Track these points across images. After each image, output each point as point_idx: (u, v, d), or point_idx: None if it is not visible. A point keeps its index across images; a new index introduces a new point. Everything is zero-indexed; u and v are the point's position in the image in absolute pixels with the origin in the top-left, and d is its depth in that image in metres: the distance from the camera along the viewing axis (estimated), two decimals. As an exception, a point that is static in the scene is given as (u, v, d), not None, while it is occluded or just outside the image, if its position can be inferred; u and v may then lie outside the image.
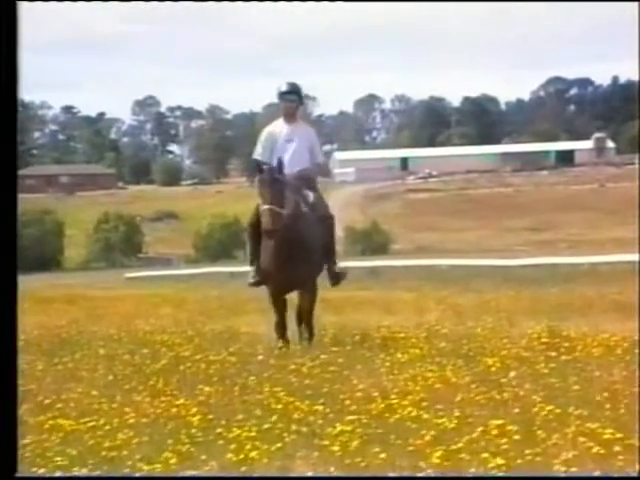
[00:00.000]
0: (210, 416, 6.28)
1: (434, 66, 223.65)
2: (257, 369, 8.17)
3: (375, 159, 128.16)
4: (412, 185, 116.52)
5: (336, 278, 10.14)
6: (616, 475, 4.60)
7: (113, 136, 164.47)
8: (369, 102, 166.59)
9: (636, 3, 9.85)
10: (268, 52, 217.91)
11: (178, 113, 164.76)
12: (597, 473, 4.65)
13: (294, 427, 5.96)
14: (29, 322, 14.88)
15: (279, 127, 10.21)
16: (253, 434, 5.69)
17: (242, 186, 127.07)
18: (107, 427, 6.09)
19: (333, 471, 5.00)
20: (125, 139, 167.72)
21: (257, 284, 9.95)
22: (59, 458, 5.39)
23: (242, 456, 5.27)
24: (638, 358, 7.29)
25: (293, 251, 9.48)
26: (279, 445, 5.55)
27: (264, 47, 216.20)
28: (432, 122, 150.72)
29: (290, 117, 10.17)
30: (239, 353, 9.24)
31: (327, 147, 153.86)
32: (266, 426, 5.94)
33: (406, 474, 4.63)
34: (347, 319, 13.63)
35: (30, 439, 5.84)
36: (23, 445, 5.72)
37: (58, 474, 4.85)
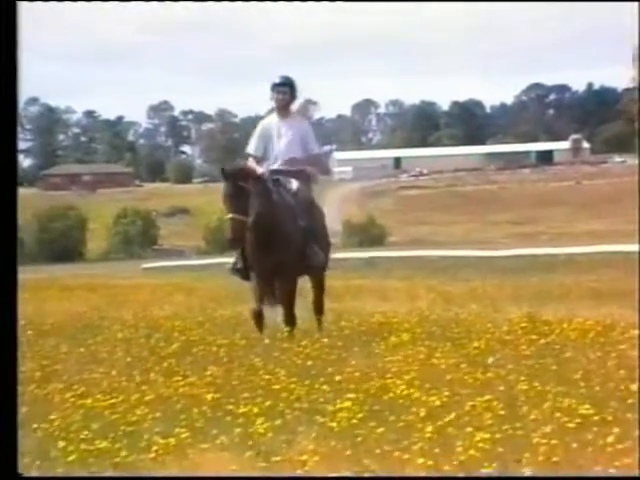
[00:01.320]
0: (219, 394, 6.28)
1: (425, 73, 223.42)
2: (263, 351, 8.17)
3: (371, 159, 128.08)
4: (405, 182, 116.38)
5: (312, 263, 9.27)
6: (616, 475, 4.58)
7: (131, 138, 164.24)
8: (365, 106, 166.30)
9: (636, 3, 9.77)
10: (272, 59, 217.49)
11: (190, 117, 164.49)
12: (599, 473, 4.62)
13: (296, 405, 5.97)
14: (54, 308, 14.90)
15: (272, 121, 9.65)
16: (258, 411, 5.69)
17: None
18: (125, 404, 6.10)
19: (334, 445, 5.01)
20: (142, 141, 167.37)
21: (238, 272, 9.39)
22: (84, 432, 5.40)
23: (250, 430, 5.27)
24: (638, 352, 7.21)
25: (270, 240, 8.92)
26: (282, 421, 5.56)
27: (268, 54, 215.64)
28: (423, 124, 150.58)
29: (283, 110, 9.57)
30: (246, 337, 9.24)
31: (326, 147, 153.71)
32: (270, 403, 5.94)
33: (407, 474, 4.58)
34: (346, 306, 13.63)
35: (56, 415, 5.86)
36: (50, 420, 5.73)
37: (60, 472, 4.74)
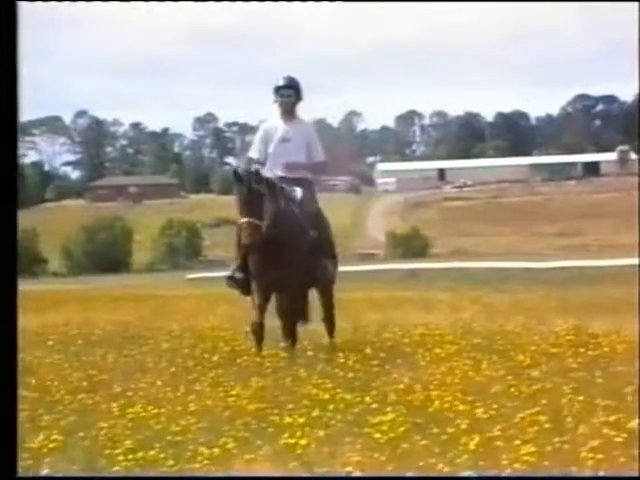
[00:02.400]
0: (263, 405, 6.29)
1: (470, 84, 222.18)
2: (306, 362, 8.17)
3: (414, 170, 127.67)
4: (448, 194, 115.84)
5: (321, 276, 8.84)
6: (616, 475, 4.53)
7: (176, 150, 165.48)
8: (409, 117, 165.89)
9: (636, 3, 9.67)
10: (315, 71, 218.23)
11: (234, 128, 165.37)
12: (601, 473, 4.57)
13: (339, 416, 5.96)
14: (102, 319, 15.04)
15: (275, 124, 9.08)
16: (302, 422, 5.69)
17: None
18: (170, 414, 6.13)
19: (377, 457, 4.99)
20: (187, 152, 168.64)
21: (237, 283, 8.77)
22: (128, 441, 5.44)
23: (293, 441, 5.27)
24: (638, 359, 7.13)
25: (278, 251, 8.38)
26: (326, 432, 5.55)
27: (312, 66, 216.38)
28: (467, 136, 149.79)
29: (287, 114, 9.01)
30: (289, 348, 9.23)
31: (370, 159, 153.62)
32: (314, 414, 5.94)
33: (410, 474, 4.53)
34: (389, 317, 13.60)
35: (102, 424, 5.90)
36: (98, 428, 5.78)
37: (60, 474, 4.77)
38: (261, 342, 8.64)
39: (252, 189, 8.23)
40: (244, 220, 8.14)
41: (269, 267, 8.43)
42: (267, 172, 8.73)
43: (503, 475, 4.53)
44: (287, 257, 8.43)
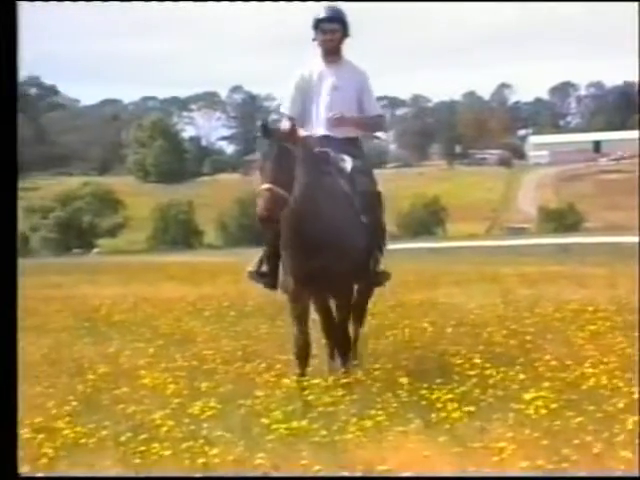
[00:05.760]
0: (413, 379, 6.29)
1: (628, 52, 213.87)
2: (453, 337, 8.11)
3: (568, 142, 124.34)
4: (604, 166, 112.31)
5: (375, 278, 6.75)
6: (616, 475, 4.31)
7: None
8: (564, 89, 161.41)
9: (636, 3, 9.02)
10: (466, 43, 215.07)
11: (384, 102, 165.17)
12: (602, 473, 4.36)
13: (490, 391, 5.89)
14: (255, 291, 15.34)
15: (316, 70, 6.86)
16: (452, 396, 5.65)
17: (442, 169, 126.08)
18: (324, 385, 6.21)
19: (529, 433, 4.91)
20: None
21: (263, 278, 6.78)
22: (283, 411, 5.55)
23: (444, 415, 5.25)
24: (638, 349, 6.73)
25: (315, 240, 6.25)
26: (477, 407, 5.50)
27: (462, 38, 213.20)
28: (625, 107, 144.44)
29: (332, 55, 6.84)
30: (434, 322, 9.18)
31: (522, 132, 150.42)
32: (464, 389, 5.89)
33: (408, 474, 4.38)
34: (541, 292, 13.34)
35: (257, 394, 6.04)
36: (253, 397, 5.91)
37: (60, 474, 4.73)
38: (306, 363, 6.52)
39: (282, 148, 6.09)
40: (265, 186, 5.98)
41: (310, 253, 6.28)
42: (305, 132, 6.68)
43: (503, 475, 4.39)
44: (337, 244, 6.30)
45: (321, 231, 6.22)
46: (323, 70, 6.85)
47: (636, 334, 7.69)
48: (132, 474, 4.58)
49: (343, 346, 6.67)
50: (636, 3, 9.05)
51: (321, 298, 6.67)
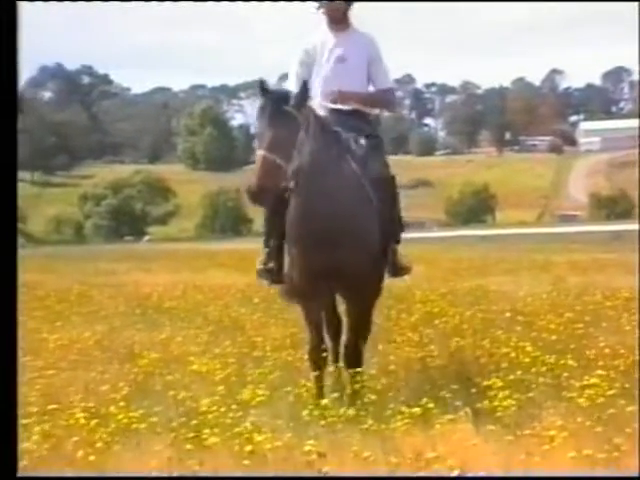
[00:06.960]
0: (462, 366, 6.25)
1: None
2: (505, 325, 8.04)
3: (620, 128, 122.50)
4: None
5: (396, 269, 6.06)
6: (616, 475, 4.20)
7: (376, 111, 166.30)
8: (617, 74, 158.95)
9: (636, 3, 8.75)
10: (515, 30, 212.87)
11: (433, 89, 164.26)
12: (601, 473, 4.26)
13: (541, 379, 5.83)
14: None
15: (322, 39, 6.22)
16: (503, 384, 5.61)
17: (491, 156, 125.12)
18: (371, 371, 6.20)
19: (581, 421, 4.86)
20: (385, 113, 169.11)
21: (268, 274, 6.13)
22: (331, 398, 5.55)
23: (495, 403, 5.21)
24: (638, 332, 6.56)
25: (326, 230, 5.57)
26: (528, 395, 5.45)
27: (511, 26, 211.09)
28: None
29: (338, 22, 6.19)
30: (485, 310, 9.12)
31: (574, 118, 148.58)
32: (515, 377, 5.84)
33: (407, 474, 4.32)
34: (591, 279, 13.21)
35: (305, 381, 6.04)
36: (301, 385, 5.92)
37: (60, 474, 4.66)
38: (319, 366, 5.97)
39: (283, 112, 5.36)
40: (260, 153, 5.28)
41: (321, 244, 5.58)
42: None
43: (503, 475, 4.31)
44: (351, 232, 5.61)
45: (331, 219, 5.53)
46: (329, 40, 6.20)
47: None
48: (184, 458, 4.61)
49: (350, 357, 5.94)
50: (636, 3, 8.88)
51: (330, 297, 6.12)
